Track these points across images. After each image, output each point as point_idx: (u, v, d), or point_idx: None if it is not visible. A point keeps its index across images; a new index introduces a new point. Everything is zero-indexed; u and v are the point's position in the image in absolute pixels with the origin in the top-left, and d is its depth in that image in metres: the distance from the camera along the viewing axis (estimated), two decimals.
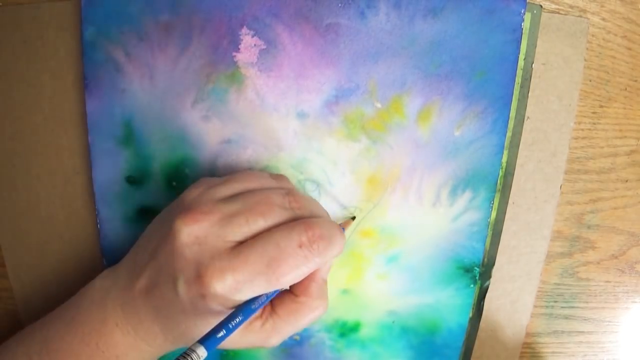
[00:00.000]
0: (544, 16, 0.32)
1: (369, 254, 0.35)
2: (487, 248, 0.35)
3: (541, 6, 0.31)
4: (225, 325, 0.22)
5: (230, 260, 0.23)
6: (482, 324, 0.37)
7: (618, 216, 0.36)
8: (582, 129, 0.34)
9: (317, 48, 0.31)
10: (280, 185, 0.28)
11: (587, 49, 0.33)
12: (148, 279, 0.26)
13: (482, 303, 0.36)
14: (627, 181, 0.35)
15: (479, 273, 0.35)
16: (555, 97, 0.33)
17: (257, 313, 0.26)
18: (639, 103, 0.34)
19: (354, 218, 0.34)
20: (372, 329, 0.37)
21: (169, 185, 0.34)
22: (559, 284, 0.37)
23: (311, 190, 0.34)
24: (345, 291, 0.36)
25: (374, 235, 0.35)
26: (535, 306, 0.37)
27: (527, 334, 0.38)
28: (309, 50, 0.31)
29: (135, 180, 0.34)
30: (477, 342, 0.37)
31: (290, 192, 0.27)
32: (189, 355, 0.21)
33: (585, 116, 0.34)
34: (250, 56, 0.32)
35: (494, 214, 0.35)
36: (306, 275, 0.24)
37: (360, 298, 0.36)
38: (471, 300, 0.36)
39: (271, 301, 0.27)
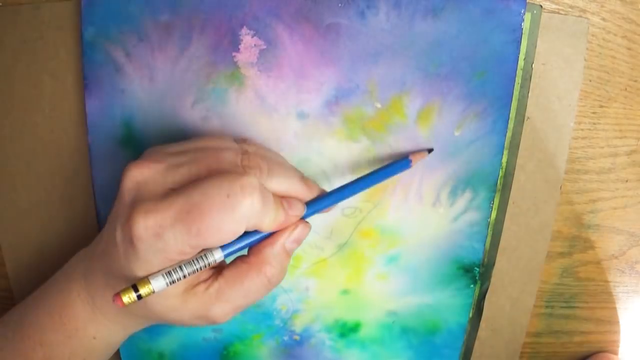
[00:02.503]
0: (544, 16, 0.32)
1: (369, 254, 0.35)
2: (487, 248, 0.35)
3: (541, 6, 0.31)
4: (244, 239, 0.24)
5: (157, 203, 0.22)
6: (482, 324, 0.37)
7: (618, 216, 0.36)
8: (582, 129, 0.34)
9: (317, 48, 0.31)
10: (241, 147, 0.26)
11: (587, 49, 0.33)
12: (103, 242, 0.25)
13: (482, 303, 0.36)
14: (627, 181, 0.35)
15: (478, 273, 0.35)
16: (555, 97, 0.33)
17: (203, 277, 0.24)
18: (639, 103, 0.34)
19: (430, 150, 0.32)
20: (372, 329, 0.37)
21: None
22: (559, 284, 0.37)
23: None
24: (345, 291, 0.36)
25: (374, 236, 0.35)
26: (535, 306, 0.37)
27: (527, 334, 0.38)
28: (309, 50, 0.31)
29: None
30: (477, 342, 0.37)
31: (247, 152, 0.25)
32: (205, 256, 0.22)
33: (585, 116, 0.34)
34: (250, 56, 0.32)
35: (494, 214, 0.35)
36: (236, 234, 0.22)
37: (360, 298, 0.36)
38: (471, 300, 0.36)
39: (221, 266, 0.26)
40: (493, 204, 0.34)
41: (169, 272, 0.22)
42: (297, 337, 0.37)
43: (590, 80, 0.33)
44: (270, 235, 0.25)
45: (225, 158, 0.24)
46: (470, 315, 0.37)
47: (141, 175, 0.23)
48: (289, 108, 0.32)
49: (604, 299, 0.38)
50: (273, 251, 0.25)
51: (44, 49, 0.33)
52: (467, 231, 0.34)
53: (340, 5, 0.31)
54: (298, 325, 0.37)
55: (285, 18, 0.31)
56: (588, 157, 0.35)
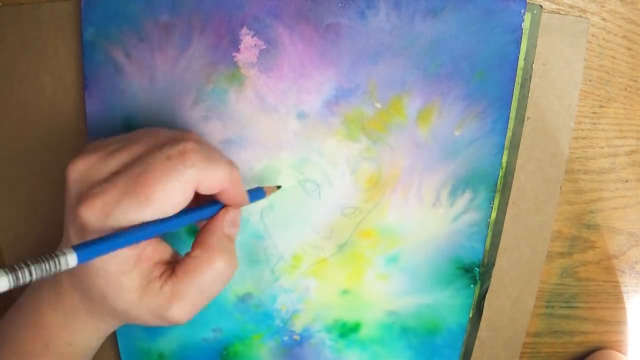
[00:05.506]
0: (544, 16, 0.32)
1: (369, 254, 0.35)
2: (487, 248, 0.35)
3: (541, 6, 0.31)
4: (110, 239, 0.21)
5: (101, 185, 0.22)
6: (482, 324, 0.37)
7: (618, 216, 0.36)
8: (582, 129, 0.34)
9: (317, 48, 0.31)
10: (178, 130, 0.27)
11: (587, 49, 0.33)
12: (63, 244, 0.26)
13: (482, 303, 0.36)
14: (627, 181, 0.35)
15: (478, 273, 0.35)
16: (555, 97, 0.33)
17: (156, 273, 0.24)
18: (639, 103, 0.34)
19: (279, 187, 0.33)
20: (372, 329, 0.37)
21: None
22: (559, 284, 0.37)
23: (311, 190, 0.34)
24: (345, 291, 0.36)
25: (374, 236, 0.35)
26: (535, 306, 0.37)
27: (527, 334, 0.38)
28: (309, 50, 0.31)
29: None
30: (477, 342, 0.37)
31: (183, 132, 0.26)
32: (57, 256, 0.19)
33: (585, 116, 0.34)
34: (250, 56, 0.32)
35: (494, 215, 0.35)
36: (181, 193, 0.22)
37: (361, 298, 0.36)
38: (471, 300, 0.36)
39: (173, 266, 0.25)
40: (493, 204, 0.34)
41: (13, 268, 0.18)
42: (297, 337, 0.37)
43: (590, 80, 0.33)
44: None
45: (163, 135, 0.25)
46: (470, 315, 0.37)
47: (83, 165, 0.23)
48: (288, 108, 0.32)
49: (604, 299, 0.38)
50: (217, 239, 0.25)
51: (44, 49, 0.33)
52: (467, 231, 0.34)
53: (340, 5, 0.31)
54: (298, 325, 0.37)
55: (285, 18, 0.31)
56: (588, 157, 0.35)
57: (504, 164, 0.34)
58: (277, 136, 0.33)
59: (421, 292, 0.36)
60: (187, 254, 0.25)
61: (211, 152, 0.24)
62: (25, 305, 0.28)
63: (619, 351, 0.39)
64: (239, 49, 0.31)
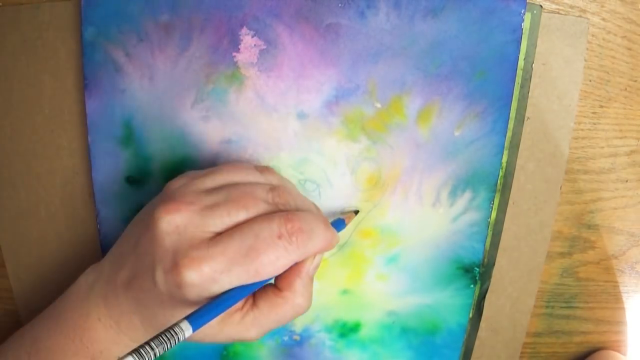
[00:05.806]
0: (544, 16, 0.32)
1: (369, 254, 0.35)
2: (487, 248, 0.35)
3: (541, 6, 0.31)
4: (214, 305, 0.22)
5: (208, 249, 0.23)
6: (482, 324, 0.37)
7: (618, 216, 0.36)
8: (582, 129, 0.34)
9: (317, 48, 0.31)
10: (265, 179, 0.28)
11: (587, 49, 0.33)
12: (129, 270, 0.26)
13: (482, 303, 0.36)
14: (627, 181, 0.35)
15: (479, 273, 0.35)
16: (555, 97, 0.33)
17: (238, 305, 0.25)
18: (639, 103, 0.34)
19: (357, 212, 0.34)
20: (372, 329, 0.37)
21: None
22: (559, 284, 0.37)
23: (311, 190, 0.34)
24: (345, 291, 0.36)
25: (374, 236, 0.35)
26: (535, 306, 0.37)
27: (527, 334, 0.38)
28: (309, 50, 0.31)
29: (135, 180, 0.34)
30: (477, 342, 0.37)
31: (275, 187, 0.27)
32: (175, 332, 0.20)
33: (585, 116, 0.34)
34: (250, 56, 0.32)
35: (494, 215, 0.35)
36: (285, 268, 0.24)
37: (360, 298, 0.36)
38: (471, 300, 0.36)
39: (253, 294, 0.26)
40: (493, 204, 0.34)
41: (140, 353, 0.19)
42: (297, 337, 0.37)
43: (590, 80, 0.33)
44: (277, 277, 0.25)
45: (259, 196, 0.25)
46: (470, 315, 0.37)
47: (180, 218, 0.23)
48: (288, 108, 0.32)
49: (604, 299, 0.38)
50: (302, 283, 0.26)
51: (44, 49, 0.33)
52: (467, 231, 0.34)
53: (340, 5, 0.31)
54: (298, 325, 0.37)
55: (285, 18, 0.31)
56: (588, 157, 0.35)
57: (504, 164, 0.34)
58: (277, 136, 0.33)
59: (421, 292, 0.36)
60: (272, 289, 0.26)
61: (310, 221, 0.25)
62: (66, 316, 0.28)
63: (619, 351, 0.39)
64: (239, 49, 0.31)
